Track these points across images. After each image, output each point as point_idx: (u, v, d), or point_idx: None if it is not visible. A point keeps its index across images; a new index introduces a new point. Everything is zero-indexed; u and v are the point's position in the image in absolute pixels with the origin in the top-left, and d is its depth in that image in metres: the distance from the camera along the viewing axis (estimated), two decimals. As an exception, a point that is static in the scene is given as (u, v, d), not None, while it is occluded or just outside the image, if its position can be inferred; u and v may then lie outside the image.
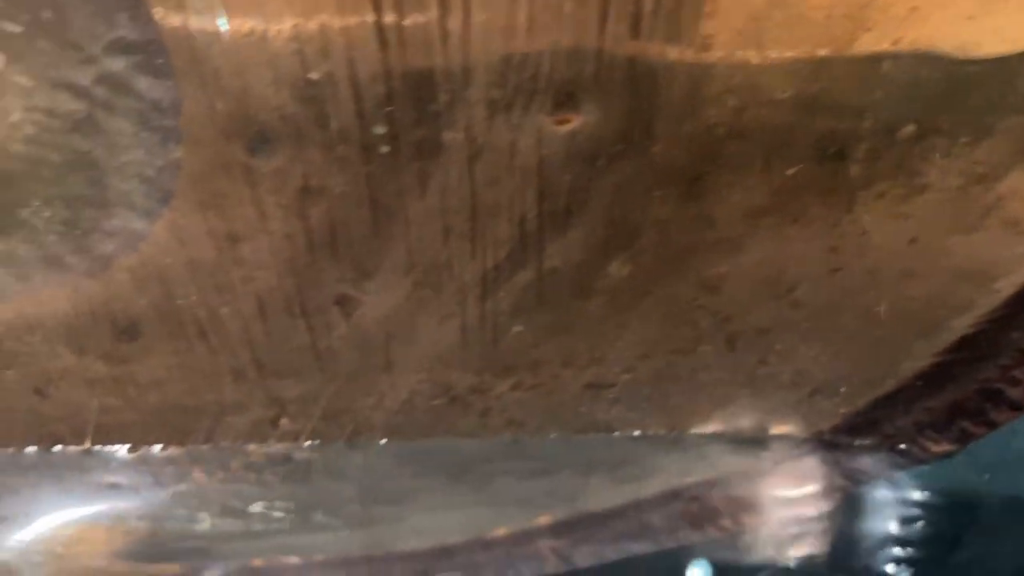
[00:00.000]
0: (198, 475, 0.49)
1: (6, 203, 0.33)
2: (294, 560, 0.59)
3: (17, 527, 0.55)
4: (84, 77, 0.29)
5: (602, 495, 0.53)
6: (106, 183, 0.32)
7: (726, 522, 0.53)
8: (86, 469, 0.49)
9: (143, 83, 0.29)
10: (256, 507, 0.53)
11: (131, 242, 0.34)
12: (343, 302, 0.37)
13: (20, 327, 0.38)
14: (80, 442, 0.45)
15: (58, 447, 0.46)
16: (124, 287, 0.36)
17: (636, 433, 0.46)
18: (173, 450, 0.46)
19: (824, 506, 0.51)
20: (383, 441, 0.46)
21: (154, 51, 0.28)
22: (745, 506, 0.52)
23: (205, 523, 0.55)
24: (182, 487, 0.50)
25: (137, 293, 0.36)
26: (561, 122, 0.29)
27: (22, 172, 0.32)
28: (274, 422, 0.44)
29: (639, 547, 0.55)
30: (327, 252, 0.34)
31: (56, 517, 0.54)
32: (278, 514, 0.54)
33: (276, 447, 0.46)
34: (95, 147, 0.31)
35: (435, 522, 0.56)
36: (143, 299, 0.37)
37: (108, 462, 0.48)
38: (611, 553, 0.56)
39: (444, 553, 0.58)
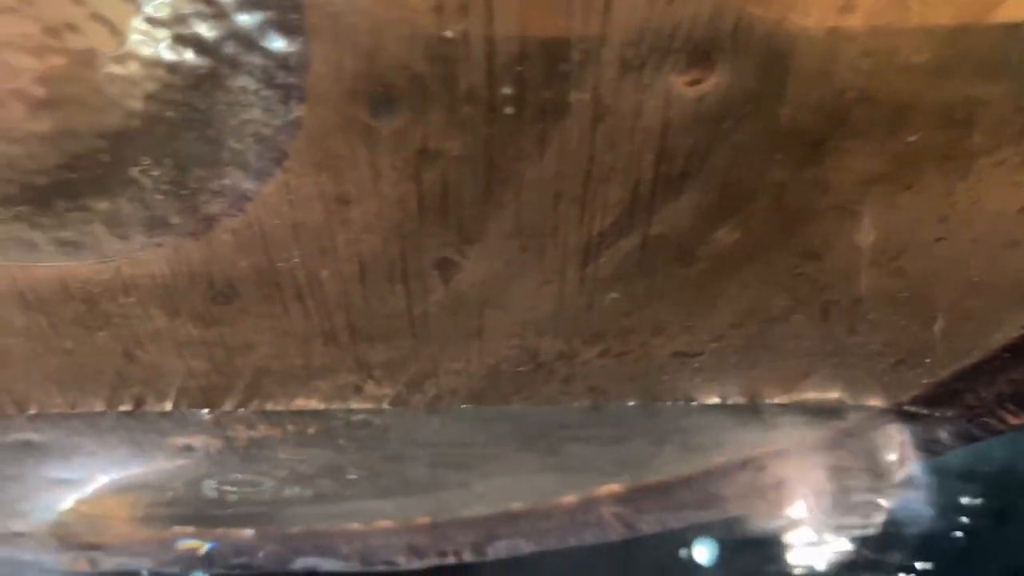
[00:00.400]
0: (272, 439, 0.49)
1: (116, 161, 0.33)
2: (357, 526, 0.59)
3: (83, 488, 0.56)
4: (213, 32, 0.28)
5: (672, 464, 0.53)
6: (220, 142, 0.32)
7: (793, 492, 0.53)
8: (162, 431, 0.49)
9: (273, 40, 0.28)
10: (326, 471, 0.53)
11: (238, 203, 0.34)
12: (444, 267, 0.37)
13: (116, 288, 0.38)
14: (161, 404, 0.46)
15: (138, 409, 0.46)
16: (225, 249, 0.36)
17: (714, 402, 0.46)
18: (252, 413, 0.47)
19: (894, 477, 0.51)
20: (463, 407, 0.46)
21: (289, 7, 0.27)
22: (814, 477, 0.52)
23: (272, 487, 0.55)
24: (254, 450, 0.51)
25: (238, 255, 0.36)
26: (692, 83, 0.29)
27: (137, 130, 0.31)
28: (359, 387, 0.44)
29: (704, 516, 0.55)
30: (435, 216, 0.34)
31: (125, 479, 0.54)
32: (348, 478, 0.54)
33: (357, 412, 0.46)
34: (214, 105, 0.31)
35: (500, 488, 0.56)
36: (243, 261, 0.36)
37: (185, 425, 0.48)
38: (675, 522, 0.56)
39: (508, 519, 0.58)
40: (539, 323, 0.40)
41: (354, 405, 0.46)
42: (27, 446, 0.49)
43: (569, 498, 0.56)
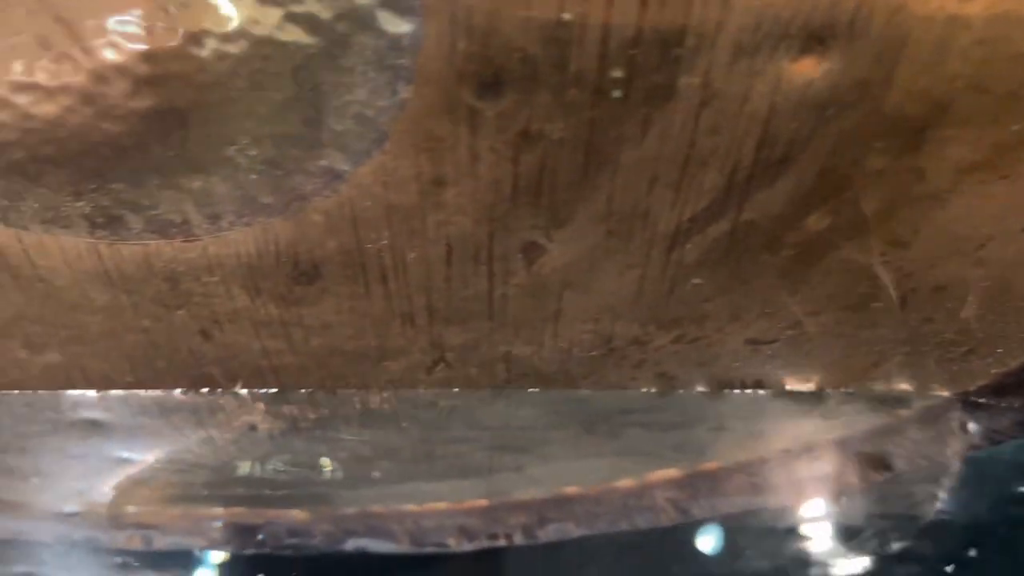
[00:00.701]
0: (337, 420, 0.49)
1: (215, 139, 0.33)
2: (410, 507, 0.59)
3: (142, 468, 0.56)
4: (326, 11, 0.28)
5: (730, 450, 0.54)
6: (321, 123, 0.32)
7: (852, 480, 0.53)
8: (228, 411, 0.49)
9: (387, 20, 0.28)
10: (385, 453, 0.53)
11: (332, 184, 0.34)
12: (529, 250, 0.37)
13: (201, 267, 0.38)
14: (231, 385, 0.46)
15: (208, 389, 0.46)
16: (314, 230, 0.36)
17: (782, 389, 0.46)
18: (321, 394, 0.47)
19: (951, 466, 0.51)
20: (530, 390, 0.46)
21: (406, -13, 0.27)
22: (874, 465, 0.52)
23: (330, 469, 0.55)
24: (317, 431, 0.51)
25: (326, 236, 0.36)
26: (803, 69, 0.29)
27: (239, 109, 0.31)
28: (430, 369, 0.45)
29: (759, 503, 0.56)
30: (528, 199, 0.34)
31: (184, 458, 0.54)
32: (406, 460, 0.54)
33: (425, 394, 0.46)
34: (320, 85, 0.31)
35: (555, 471, 0.57)
36: (331, 242, 0.36)
37: (251, 405, 0.48)
38: (727, 508, 0.56)
39: (560, 502, 0.59)
40: (617, 308, 0.40)
41: (423, 388, 0.46)
42: (93, 425, 0.50)
43: (624, 482, 0.56)
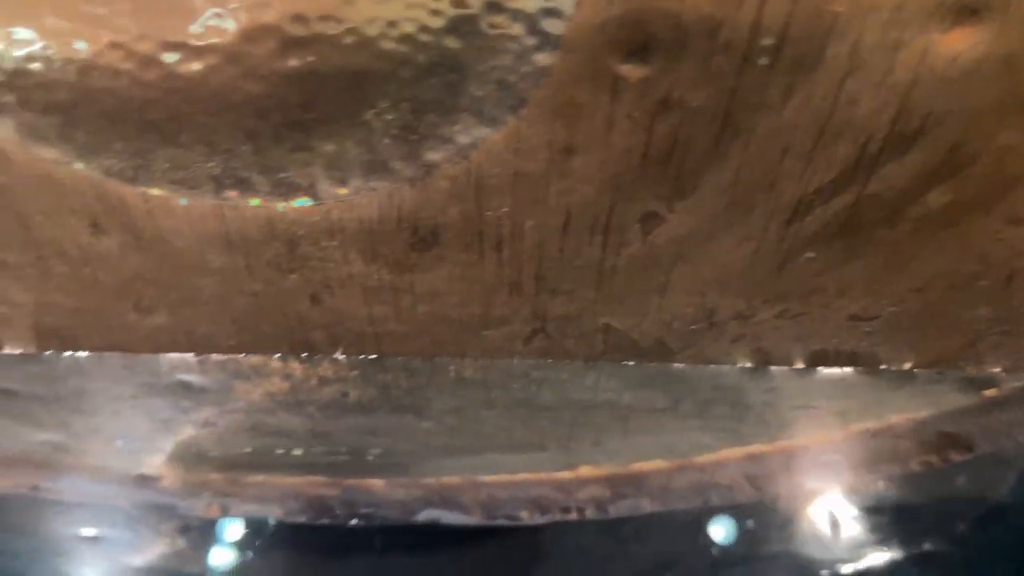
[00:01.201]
0: (430, 388, 0.50)
1: (353, 103, 0.33)
2: (486, 478, 0.60)
3: (227, 433, 0.57)
4: (486, -24, 0.29)
5: (813, 428, 0.54)
6: (461, 88, 0.32)
7: (933, 460, 0.53)
8: (323, 378, 0.50)
9: (546, -15, 0.29)
10: (471, 423, 0.54)
11: (464, 151, 0.35)
12: (648, 220, 0.37)
13: (321, 231, 0.39)
14: (332, 350, 0.47)
15: (310, 354, 0.47)
16: (438, 196, 0.36)
17: (875, 367, 0.47)
18: (417, 362, 0.47)
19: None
20: (623, 364, 0.47)
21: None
22: (956, 445, 0.53)
23: (413, 437, 0.56)
24: (407, 400, 0.52)
25: (449, 202, 0.37)
26: (952, 41, 0.29)
27: (382, 72, 0.32)
28: (529, 339, 0.45)
29: (839, 480, 0.56)
30: (656, 168, 0.35)
31: (271, 425, 0.55)
32: (489, 431, 0.55)
33: (520, 365, 0.47)
34: (466, 50, 0.31)
35: (633, 446, 0.57)
36: (453, 209, 0.37)
37: (347, 372, 0.49)
38: (810, 484, 0.57)
39: (635, 478, 0.59)
40: (725, 281, 0.41)
41: (518, 358, 0.46)
42: (186, 389, 0.50)
43: (702, 459, 0.57)
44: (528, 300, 0.42)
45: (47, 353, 0.46)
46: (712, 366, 0.47)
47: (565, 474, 0.59)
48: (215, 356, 0.47)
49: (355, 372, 0.49)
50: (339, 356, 0.47)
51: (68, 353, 0.46)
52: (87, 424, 0.57)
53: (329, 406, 0.52)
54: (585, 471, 0.59)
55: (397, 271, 0.40)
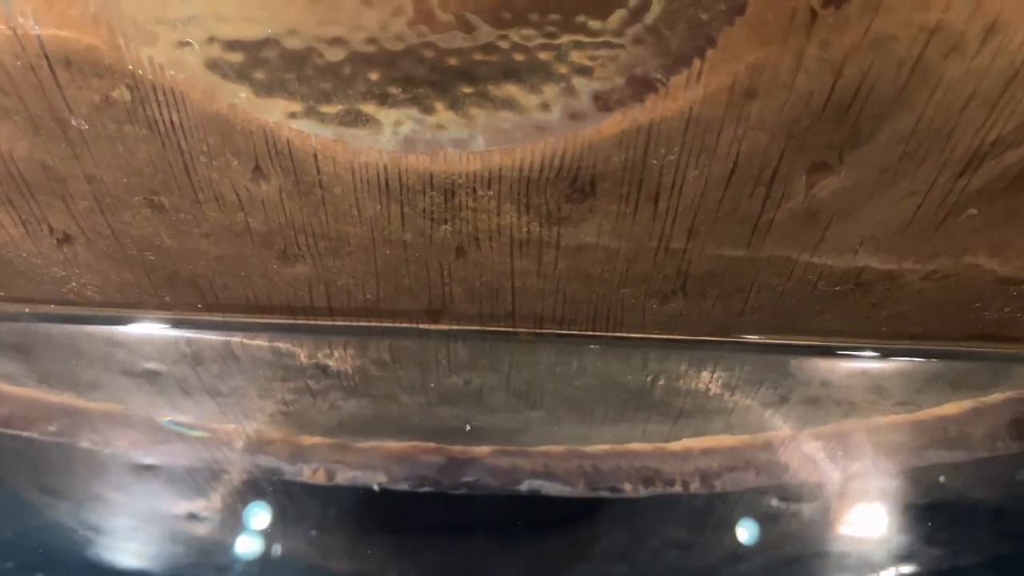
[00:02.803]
0: (551, 351, 0.50)
1: (533, 45, 0.33)
2: (590, 448, 0.60)
3: (335, 395, 0.57)
4: (700, -93, 0.28)
5: (924, 405, 0.53)
6: (648, 27, 0.32)
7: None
8: (443, 343, 0.50)
9: (761, -85, 0.28)
10: (589, 389, 0.54)
11: (641, 93, 0.35)
12: (815, 171, 0.37)
13: (481, 180, 0.39)
14: (468, 306, 0.47)
15: (444, 310, 0.47)
16: (606, 142, 0.36)
17: (1010, 334, 0.46)
18: (547, 322, 0.47)
19: None
20: (750, 337, 0.46)
21: None
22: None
23: (530, 405, 0.56)
24: (527, 365, 0.51)
25: (615, 150, 0.37)
26: None
27: (574, 11, 0.32)
28: (666, 299, 0.45)
29: (952, 457, 0.55)
30: (835, 114, 0.34)
31: (384, 390, 0.55)
32: (605, 398, 0.55)
33: (650, 323, 0.47)
34: (663, -14, 0.31)
35: (747, 420, 0.57)
36: (617, 157, 0.37)
37: (477, 344, 0.49)
38: (917, 461, 0.56)
39: (744, 450, 0.59)
40: (881, 239, 0.40)
41: (651, 318, 0.46)
42: (298, 354, 0.51)
43: (815, 430, 0.56)
44: (674, 257, 0.42)
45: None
46: (839, 337, 0.47)
47: (671, 446, 0.59)
48: (350, 310, 0.47)
49: (466, 343, 0.49)
50: (474, 312, 0.47)
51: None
52: (201, 395, 0.58)
53: (452, 372, 0.52)
54: (691, 443, 0.59)
55: (547, 223, 0.40)
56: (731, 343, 0.49)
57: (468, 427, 0.59)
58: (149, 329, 0.53)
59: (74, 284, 0.46)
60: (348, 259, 0.43)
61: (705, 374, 0.53)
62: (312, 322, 0.50)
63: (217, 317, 0.49)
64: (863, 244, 0.41)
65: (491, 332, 0.50)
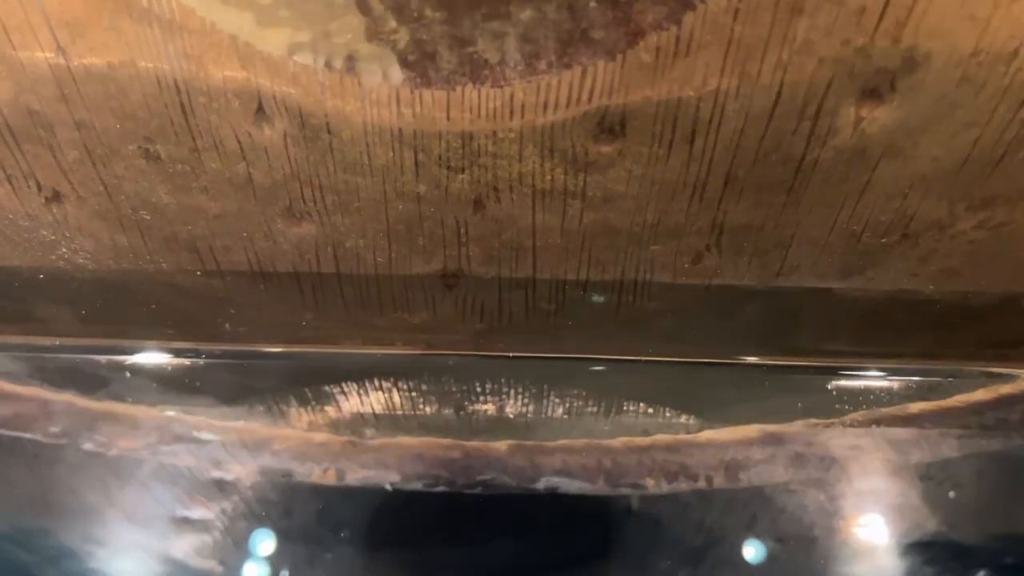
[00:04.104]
0: (573, 312, 0.47)
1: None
2: (611, 442, 0.57)
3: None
4: None
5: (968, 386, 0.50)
6: (690, -67, 0.30)
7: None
8: (456, 323, 0.47)
9: None
10: (612, 364, 0.51)
11: (677, 14, 0.32)
12: (865, 101, 0.34)
13: (502, 120, 0.36)
14: (485, 269, 0.44)
15: (457, 272, 0.44)
16: (637, 73, 0.34)
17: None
18: (568, 286, 0.44)
19: None
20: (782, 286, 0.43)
21: None
22: None
23: (546, 394, 0.53)
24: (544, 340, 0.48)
25: (647, 81, 0.34)
26: None
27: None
28: (699, 257, 0.42)
29: (991, 445, 0.52)
30: (892, 31, 0.31)
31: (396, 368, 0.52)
32: (620, 391, 0.52)
33: (681, 284, 0.44)
34: None
35: (777, 405, 0.54)
36: (649, 89, 0.34)
37: (476, 324, 0.46)
38: (963, 449, 0.53)
39: (772, 440, 0.55)
40: (932, 181, 0.37)
41: (682, 278, 0.43)
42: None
43: (851, 415, 0.53)
44: (709, 206, 0.39)
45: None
46: (883, 296, 0.44)
47: (694, 437, 0.56)
48: (359, 272, 0.44)
49: (484, 325, 0.46)
50: (492, 275, 0.44)
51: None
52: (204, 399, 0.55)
53: (456, 344, 0.49)
54: (714, 435, 0.55)
55: (572, 169, 0.38)
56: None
57: (494, 413, 0.56)
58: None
59: (64, 250, 0.43)
60: (358, 216, 0.40)
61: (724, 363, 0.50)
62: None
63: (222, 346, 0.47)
64: (913, 187, 0.38)
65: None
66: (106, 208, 0.41)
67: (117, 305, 0.47)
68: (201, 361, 0.53)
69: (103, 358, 0.53)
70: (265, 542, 0.59)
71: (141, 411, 0.57)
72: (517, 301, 0.45)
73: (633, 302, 0.45)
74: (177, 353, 0.53)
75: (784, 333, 0.48)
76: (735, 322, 0.46)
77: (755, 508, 0.58)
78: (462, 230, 0.41)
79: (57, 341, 0.51)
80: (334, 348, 0.53)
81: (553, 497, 0.58)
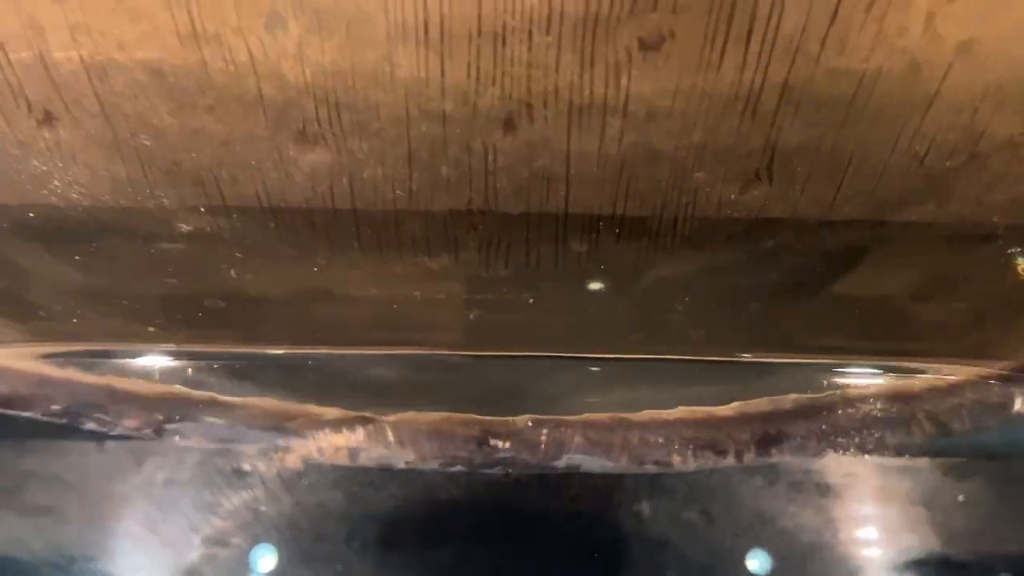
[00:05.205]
0: (600, 258, 0.43)
1: None
2: (636, 417, 0.53)
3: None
4: None
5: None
6: None
7: None
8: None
9: None
10: (636, 315, 0.47)
11: None
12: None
13: (538, 20, 0.33)
14: (515, 204, 0.40)
15: (485, 206, 0.41)
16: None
17: None
18: (600, 223, 0.41)
19: None
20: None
21: None
22: None
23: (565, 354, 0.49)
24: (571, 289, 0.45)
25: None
26: None
27: None
28: (746, 185, 0.39)
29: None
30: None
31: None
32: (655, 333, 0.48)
33: (722, 220, 0.40)
34: None
35: (815, 371, 0.50)
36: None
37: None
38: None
39: (807, 412, 0.52)
40: (1007, 88, 0.34)
41: (727, 211, 0.40)
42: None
43: (884, 386, 0.49)
44: (763, 122, 0.36)
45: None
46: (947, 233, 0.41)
47: (723, 410, 0.52)
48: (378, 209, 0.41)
49: (509, 271, 0.42)
50: (520, 211, 0.40)
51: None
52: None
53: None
54: (746, 406, 0.52)
55: (612, 81, 0.34)
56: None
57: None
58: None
59: (57, 183, 0.40)
60: (377, 140, 0.37)
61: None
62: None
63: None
64: (985, 98, 0.35)
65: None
66: (102, 132, 0.37)
67: (114, 253, 0.43)
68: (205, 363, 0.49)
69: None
70: (272, 526, 0.55)
71: (144, 387, 0.53)
72: (546, 241, 0.42)
73: (671, 242, 0.41)
74: (178, 356, 0.49)
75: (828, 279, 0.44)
76: (776, 270, 0.43)
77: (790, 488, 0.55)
78: (490, 157, 0.38)
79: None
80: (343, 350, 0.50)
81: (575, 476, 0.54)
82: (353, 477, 0.52)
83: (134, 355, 0.47)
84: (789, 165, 0.38)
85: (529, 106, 0.36)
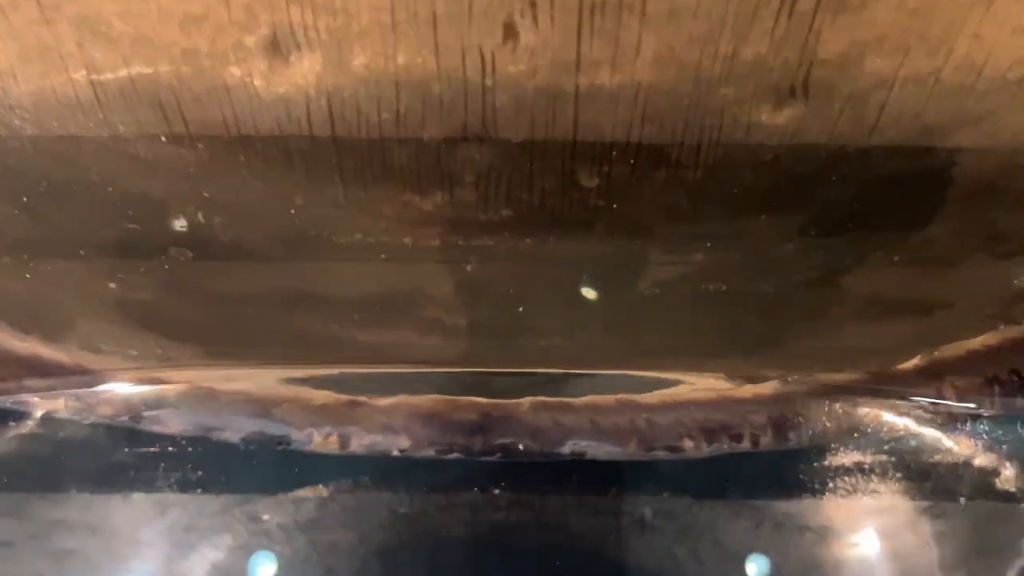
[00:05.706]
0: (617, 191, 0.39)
1: None
2: (645, 399, 0.48)
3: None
4: None
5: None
6: None
7: None
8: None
9: None
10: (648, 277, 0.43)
11: None
12: None
13: None
14: (519, 132, 0.36)
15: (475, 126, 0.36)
16: None
17: None
18: (616, 149, 0.36)
19: None
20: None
21: None
22: None
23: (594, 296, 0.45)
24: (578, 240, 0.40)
25: None
26: None
27: None
28: (781, 102, 0.34)
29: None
30: None
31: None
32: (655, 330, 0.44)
33: (750, 146, 0.36)
34: None
35: (841, 342, 0.46)
36: None
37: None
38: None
39: (826, 392, 0.47)
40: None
41: (755, 137, 0.35)
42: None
43: (911, 361, 0.45)
44: (796, 29, 0.31)
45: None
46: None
47: (739, 391, 0.47)
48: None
49: (511, 211, 0.38)
50: (517, 139, 0.36)
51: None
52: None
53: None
54: (762, 387, 0.47)
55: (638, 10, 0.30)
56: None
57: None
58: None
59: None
60: (360, 47, 0.32)
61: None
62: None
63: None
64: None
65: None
66: (43, 38, 0.32)
67: (64, 190, 0.38)
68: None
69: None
70: (259, 516, 0.51)
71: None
72: (552, 175, 0.37)
73: (692, 175, 0.37)
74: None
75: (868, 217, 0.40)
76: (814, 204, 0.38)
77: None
78: (488, 69, 0.33)
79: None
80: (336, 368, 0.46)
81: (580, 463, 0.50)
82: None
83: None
84: (828, 79, 0.33)
85: (533, 5, 0.31)
